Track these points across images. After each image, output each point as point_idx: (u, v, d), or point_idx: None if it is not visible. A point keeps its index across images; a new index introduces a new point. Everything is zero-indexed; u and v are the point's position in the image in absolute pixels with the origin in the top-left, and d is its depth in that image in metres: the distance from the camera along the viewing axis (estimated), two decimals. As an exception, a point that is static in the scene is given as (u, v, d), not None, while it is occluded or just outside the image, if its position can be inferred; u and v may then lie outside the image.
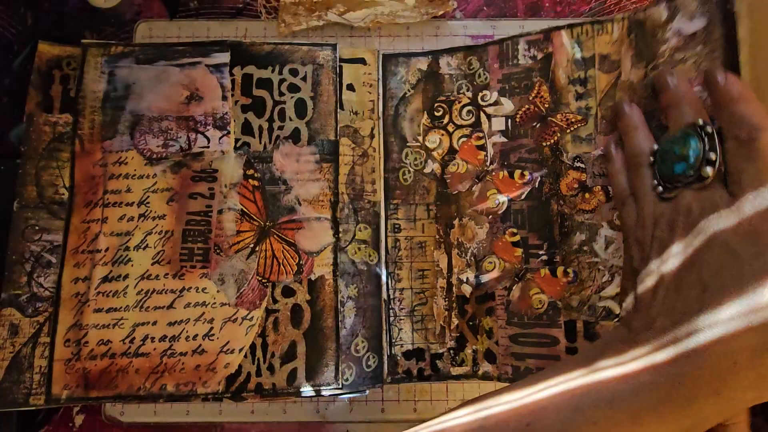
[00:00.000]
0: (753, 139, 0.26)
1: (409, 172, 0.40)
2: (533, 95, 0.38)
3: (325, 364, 0.35)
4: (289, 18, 0.42)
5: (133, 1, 0.45)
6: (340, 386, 0.35)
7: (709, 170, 0.27)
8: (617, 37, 0.35)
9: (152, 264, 0.36)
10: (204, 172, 0.38)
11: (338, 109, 0.39)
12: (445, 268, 0.38)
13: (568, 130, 0.36)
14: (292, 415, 0.37)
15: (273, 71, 0.39)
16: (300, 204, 0.37)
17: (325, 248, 0.37)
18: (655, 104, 0.33)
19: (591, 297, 0.35)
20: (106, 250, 0.36)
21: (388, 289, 0.38)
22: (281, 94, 0.39)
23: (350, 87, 0.40)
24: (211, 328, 0.35)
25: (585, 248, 0.35)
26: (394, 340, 0.37)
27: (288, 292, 0.36)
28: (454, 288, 0.38)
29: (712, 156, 0.27)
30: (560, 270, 0.36)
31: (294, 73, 0.39)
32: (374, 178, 0.39)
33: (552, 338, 0.35)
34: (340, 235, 0.37)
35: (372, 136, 0.40)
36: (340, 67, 0.40)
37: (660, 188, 0.29)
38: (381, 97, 0.41)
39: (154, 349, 0.35)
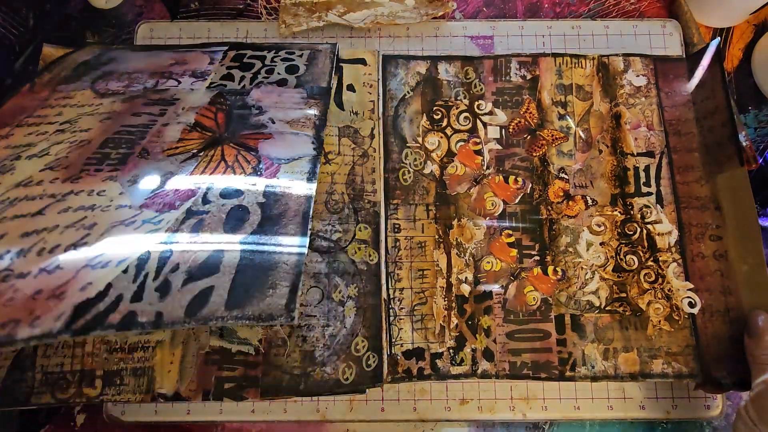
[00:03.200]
0: None
1: (409, 172, 0.41)
2: (523, 110, 0.42)
3: (270, 284, 0.27)
4: (289, 19, 0.43)
5: (134, 2, 0.46)
6: (293, 319, 0.28)
7: None
8: (589, 73, 0.43)
9: (40, 171, 0.31)
10: (162, 101, 0.35)
11: (338, 108, 0.40)
12: (444, 267, 0.39)
13: (554, 145, 0.41)
14: (293, 414, 0.38)
15: (269, 53, 0.40)
16: (274, 123, 0.35)
17: (300, 158, 0.34)
18: (619, 133, 0.42)
19: (576, 293, 0.39)
20: None
21: (388, 289, 0.39)
22: (273, 62, 0.39)
23: (350, 87, 0.41)
24: (87, 235, 0.28)
25: (570, 249, 0.40)
26: (394, 340, 0.38)
27: (230, 194, 0.31)
28: (453, 288, 0.39)
29: None
30: (551, 269, 0.40)
31: (290, 54, 0.40)
32: (374, 178, 0.40)
33: (544, 332, 0.38)
34: (340, 235, 0.38)
35: (372, 136, 0.41)
36: (340, 68, 0.41)
37: None
38: (381, 97, 0.41)
39: None
